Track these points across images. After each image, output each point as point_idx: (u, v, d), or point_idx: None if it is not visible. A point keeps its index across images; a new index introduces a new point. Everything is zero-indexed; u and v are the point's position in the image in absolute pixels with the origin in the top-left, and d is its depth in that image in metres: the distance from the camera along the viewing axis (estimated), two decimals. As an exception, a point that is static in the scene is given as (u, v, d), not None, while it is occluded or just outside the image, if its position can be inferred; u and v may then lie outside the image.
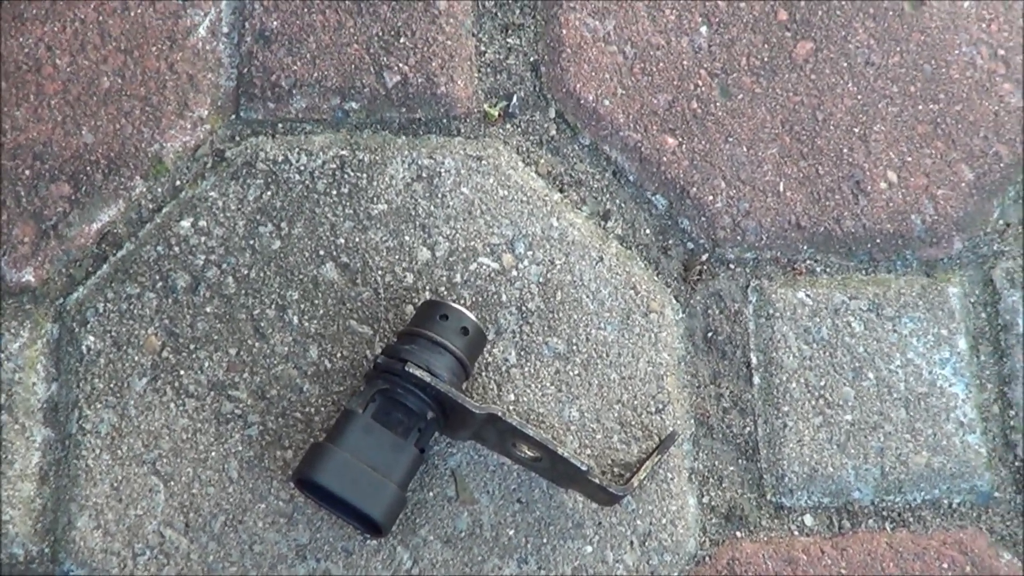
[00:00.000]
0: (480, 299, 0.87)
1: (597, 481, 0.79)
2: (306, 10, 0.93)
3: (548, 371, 0.86)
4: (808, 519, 0.86)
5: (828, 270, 0.91)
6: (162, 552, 0.81)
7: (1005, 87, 0.95)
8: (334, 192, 0.88)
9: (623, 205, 0.91)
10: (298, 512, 0.82)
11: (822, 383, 0.88)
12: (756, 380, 0.88)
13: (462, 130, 0.92)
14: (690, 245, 0.91)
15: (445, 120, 0.92)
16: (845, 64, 0.95)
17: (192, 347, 0.84)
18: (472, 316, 0.81)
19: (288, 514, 0.82)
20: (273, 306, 0.86)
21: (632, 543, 0.83)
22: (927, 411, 0.88)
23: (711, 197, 0.91)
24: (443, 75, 0.92)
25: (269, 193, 0.88)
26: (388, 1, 0.93)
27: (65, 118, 0.89)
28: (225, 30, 0.92)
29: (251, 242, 0.87)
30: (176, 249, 0.87)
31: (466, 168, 0.90)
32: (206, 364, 0.84)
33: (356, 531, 0.81)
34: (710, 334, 0.89)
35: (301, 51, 0.92)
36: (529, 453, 0.81)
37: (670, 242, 0.91)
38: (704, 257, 0.90)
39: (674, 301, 0.89)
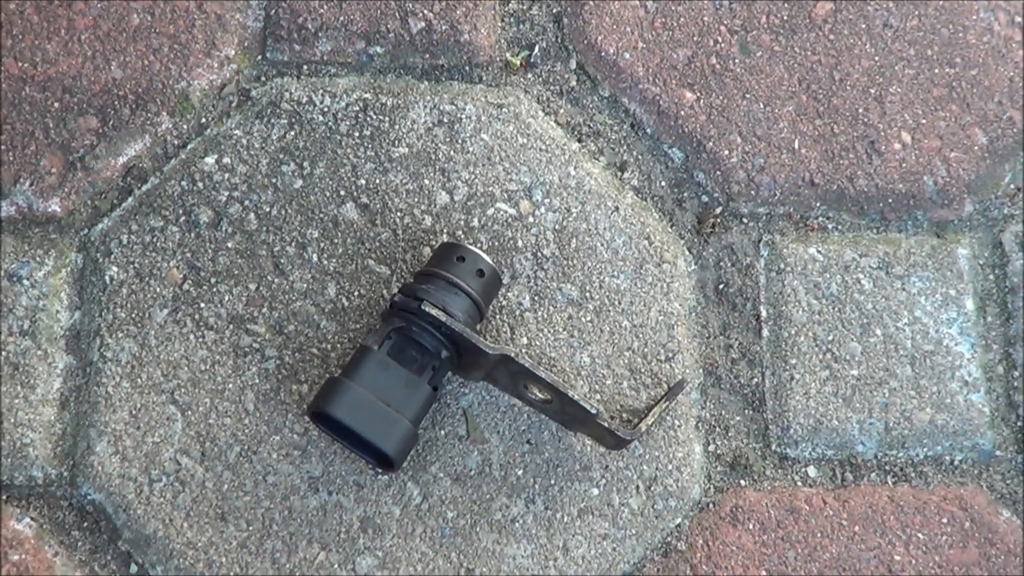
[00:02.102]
0: (496, 244, 0.88)
1: (606, 425, 0.80)
2: (334, -44, 0.94)
3: (561, 316, 0.87)
4: (811, 470, 0.87)
5: (840, 227, 0.92)
6: (178, 479, 0.82)
7: (1021, 53, 0.96)
8: (356, 134, 0.90)
9: (640, 157, 0.92)
10: (312, 445, 0.83)
11: (830, 338, 0.89)
12: (765, 333, 0.89)
13: (484, 78, 0.93)
14: (704, 198, 0.92)
15: (467, 67, 0.93)
16: (863, 25, 0.96)
17: (213, 281, 0.86)
18: (488, 259, 0.82)
19: (302, 447, 0.83)
20: (293, 243, 0.87)
21: (638, 487, 0.85)
22: (932, 369, 0.89)
23: (727, 152, 0.92)
24: (467, 23, 0.93)
25: (293, 133, 0.90)
26: (415, -51, 0.95)
27: (95, 53, 0.91)
28: (253, -27, 0.94)
29: (273, 180, 0.88)
30: (200, 185, 0.88)
31: (487, 115, 0.91)
32: (226, 298, 0.86)
33: (368, 465, 0.83)
34: (721, 286, 0.90)
35: (328, -5, 0.93)
36: (540, 395, 0.82)
37: (685, 194, 0.92)
38: (718, 210, 0.91)
39: (687, 252, 0.90)
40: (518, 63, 0.93)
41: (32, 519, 0.81)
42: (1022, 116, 0.95)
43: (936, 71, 0.95)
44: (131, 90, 0.90)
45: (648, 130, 0.93)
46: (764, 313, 0.90)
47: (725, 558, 0.84)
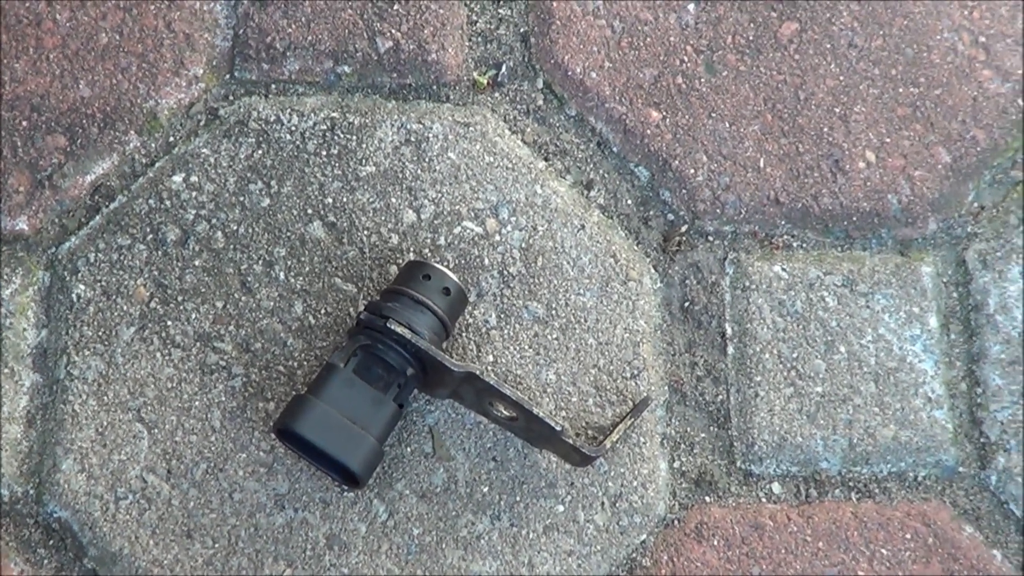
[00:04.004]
0: (463, 262, 0.88)
1: (571, 442, 0.81)
2: (303, -25, 0.95)
3: (527, 334, 0.88)
4: (776, 487, 0.88)
5: (804, 245, 0.93)
6: (144, 497, 0.82)
7: (984, 73, 0.97)
8: (324, 153, 0.90)
9: (606, 175, 0.93)
10: (278, 462, 0.84)
11: (794, 355, 0.90)
12: (730, 350, 0.90)
13: (451, 97, 0.94)
14: (670, 216, 0.93)
15: (435, 86, 0.94)
16: (829, 45, 0.97)
17: (180, 299, 0.86)
18: (454, 277, 0.83)
19: (268, 464, 0.84)
20: (260, 262, 0.87)
21: (603, 504, 0.85)
22: (896, 386, 0.90)
23: (692, 170, 0.93)
24: (434, 43, 0.94)
25: (260, 152, 0.90)
26: (383, -31, 0.95)
27: (63, 72, 0.91)
28: (222, -8, 0.94)
29: (241, 199, 0.89)
30: (167, 203, 0.88)
31: (454, 134, 0.92)
32: (193, 316, 0.86)
33: (334, 482, 0.83)
34: (687, 304, 0.91)
35: (296, 14, 0.94)
36: (505, 412, 0.83)
37: (651, 213, 0.92)
38: (684, 229, 0.92)
39: (653, 270, 0.91)
40: (485, 82, 0.94)
41: (-2, 537, 0.82)
42: (985, 135, 0.96)
43: (900, 91, 0.96)
44: (99, 109, 0.90)
45: (614, 149, 0.93)
46: (729, 330, 0.90)
47: (690, 574, 0.84)
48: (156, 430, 0.84)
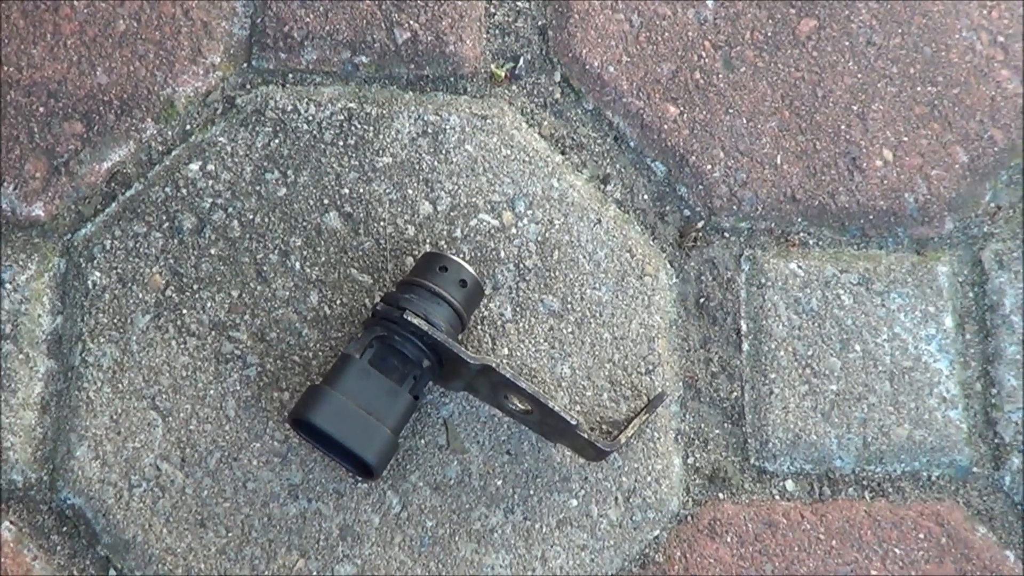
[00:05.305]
0: (479, 254, 0.88)
1: (585, 436, 0.80)
2: (321, -35, 0.94)
3: (542, 328, 0.88)
4: (790, 484, 0.87)
5: (821, 243, 0.93)
6: (158, 485, 0.82)
7: (1003, 73, 0.97)
8: (340, 143, 0.90)
9: (623, 170, 0.93)
10: (292, 452, 0.83)
11: (809, 353, 0.90)
12: (745, 347, 0.90)
13: (468, 89, 0.93)
14: (687, 212, 0.92)
15: (452, 78, 0.93)
16: (847, 43, 0.97)
17: (195, 287, 0.86)
18: (471, 269, 0.83)
19: (282, 454, 0.83)
20: (276, 251, 0.87)
21: (617, 499, 0.85)
22: (911, 385, 0.90)
23: (709, 166, 0.93)
24: (452, 34, 0.94)
25: (277, 141, 0.90)
26: (402, -40, 0.95)
27: (80, 58, 0.91)
28: (241, -19, 0.94)
29: (257, 188, 0.89)
30: (184, 191, 0.88)
31: (471, 126, 0.92)
32: (208, 304, 0.86)
33: (348, 473, 0.83)
34: (702, 300, 0.90)
35: (314, 4, 0.93)
36: (520, 406, 0.83)
37: (667, 208, 0.92)
38: (700, 224, 0.92)
39: (668, 266, 0.91)
40: (503, 75, 0.94)
41: (11, 523, 0.81)
42: (1003, 135, 0.95)
43: (918, 89, 0.96)
44: (116, 96, 0.90)
45: (631, 143, 0.93)
46: (744, 327, 0.90)
47: (703, 570, 0.84)
48: (170, 418, 0.83)
